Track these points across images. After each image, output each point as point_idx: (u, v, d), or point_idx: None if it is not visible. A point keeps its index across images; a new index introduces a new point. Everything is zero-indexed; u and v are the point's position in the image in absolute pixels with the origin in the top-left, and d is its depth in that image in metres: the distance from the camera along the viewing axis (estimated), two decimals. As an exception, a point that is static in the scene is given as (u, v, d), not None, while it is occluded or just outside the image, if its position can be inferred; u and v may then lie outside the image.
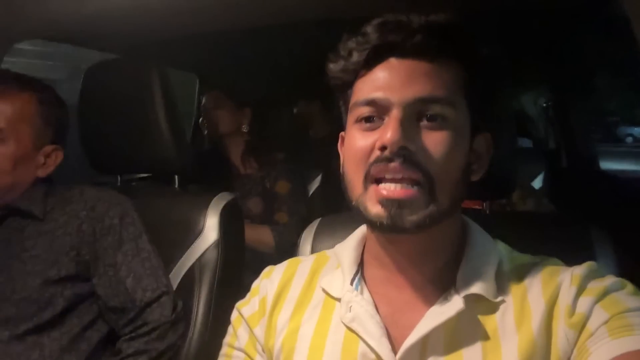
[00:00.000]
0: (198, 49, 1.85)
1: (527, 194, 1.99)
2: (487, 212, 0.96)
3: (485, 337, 0.59)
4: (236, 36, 1.59)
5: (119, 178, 1.31)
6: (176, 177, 1.28)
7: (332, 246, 0.76)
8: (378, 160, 0.58)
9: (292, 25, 1.22)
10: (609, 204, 1.67)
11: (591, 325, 0.54)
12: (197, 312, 1.10)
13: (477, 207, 0.98)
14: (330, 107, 0.68)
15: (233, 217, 1.21)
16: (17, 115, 0.99)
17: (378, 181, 0.59)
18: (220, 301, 1.12)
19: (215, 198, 1.19)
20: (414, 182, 0.57)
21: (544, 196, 2.07)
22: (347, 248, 0.70)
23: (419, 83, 0.58)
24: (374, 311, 0.63)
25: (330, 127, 2.46)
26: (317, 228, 0.97)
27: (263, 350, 0.70)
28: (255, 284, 0.75)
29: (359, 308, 0.63)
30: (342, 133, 0.68)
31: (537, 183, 2.18)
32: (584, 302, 0.56)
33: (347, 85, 0.65)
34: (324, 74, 0.67)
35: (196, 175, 1.45)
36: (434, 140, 0.58)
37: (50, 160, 1.06)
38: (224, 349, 0.74)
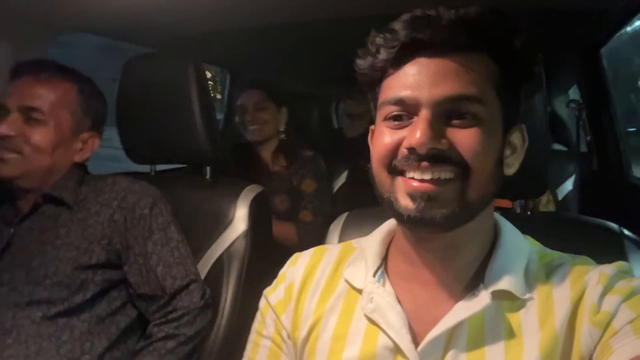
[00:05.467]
0: (237, 44, 1.86)
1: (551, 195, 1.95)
2: (518, 211, 0.96)
3: (509, 333, 0.58)
4: (274, 31, 1.59)
5: (153, 168, 1.34)
6: (208, 168, 1.30)
7: None
8: (406, 159, 0.58)
9: (329, 21, 1.23)
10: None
11: (616, 323, 0.54)
12: (225, 299, 1.12)
13: (507, 206, 0.97)
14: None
15: (262, 209, 1.22)
16: (59, 101, 1.05)
17: (403, 172, 0.59)
18: (248, 290, 1.14)
19: (245, 190, 1.21)
20: (444, 178, 0.57)
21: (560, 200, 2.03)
22: (373, 241, 0.71)
23: (448, 81, 0.56)
24: (395, 303, 0.63)
25: (363, 128, 2.45)
26: (345, 222, 0.98)
27: (288, 337, 0.71)
28: (282, 271, 0.76)
29: (380, 299, 0.63)
30: (372, 126, 0.68)
31: (568, 186, 2.14)
32: (610, 300, 0.55)
33: (376, 82, 0.64)
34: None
35: (227, 167, 1.47)
36: (465, 138, 0.57)
37: (87, 146, 1.12)
38: (253, 335, 0.75)
